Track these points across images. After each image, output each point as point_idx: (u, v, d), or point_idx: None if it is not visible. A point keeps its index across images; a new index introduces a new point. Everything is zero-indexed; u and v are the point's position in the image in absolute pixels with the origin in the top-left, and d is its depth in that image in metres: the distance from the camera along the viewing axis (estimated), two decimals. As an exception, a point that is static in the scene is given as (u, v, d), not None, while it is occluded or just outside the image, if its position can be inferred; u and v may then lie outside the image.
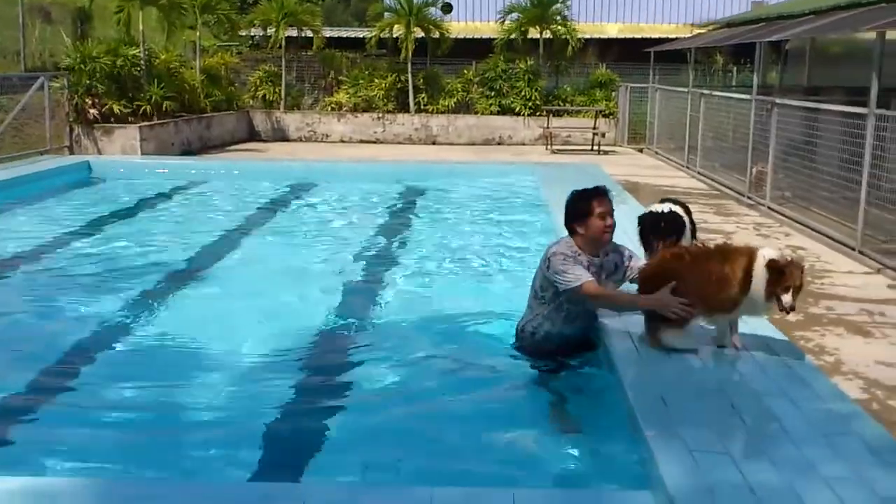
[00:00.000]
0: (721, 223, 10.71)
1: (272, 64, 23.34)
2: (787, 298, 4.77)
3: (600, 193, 5.41)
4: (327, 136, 22.44)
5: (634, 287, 5.47)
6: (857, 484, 3.56)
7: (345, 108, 22.60)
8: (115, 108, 17.03)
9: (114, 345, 6.29)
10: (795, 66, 18.00)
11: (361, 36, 25.11)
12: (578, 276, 5.21)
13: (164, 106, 17.91)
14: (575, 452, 4.50)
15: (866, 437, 4.02)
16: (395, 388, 5.40)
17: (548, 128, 20.59)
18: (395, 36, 22.40)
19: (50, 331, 6.58)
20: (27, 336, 6.47)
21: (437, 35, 22.57)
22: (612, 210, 5.39)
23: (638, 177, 15.14)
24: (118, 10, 18.52)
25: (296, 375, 5.68)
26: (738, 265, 4.90)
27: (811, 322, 6.51)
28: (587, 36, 24.49)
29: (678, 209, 6.13)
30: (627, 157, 19.42)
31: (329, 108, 22.78)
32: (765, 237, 9.95)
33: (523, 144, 21.82)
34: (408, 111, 22.32)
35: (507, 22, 23.20)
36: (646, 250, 5.95)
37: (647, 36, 27.19)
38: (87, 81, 16.84)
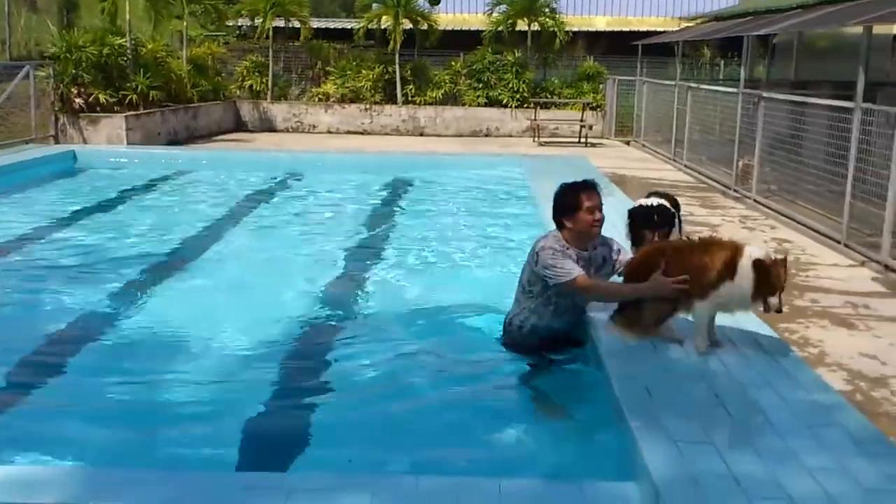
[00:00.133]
0: (707, 216, 10.74)
1: (259, 54, 23.26)
2: (773, 301, 4.72)
3: (589, 187, 5.34)
4: (314, 126, 22.39)
5: (621, 280, 5.47)
6: (841, 474, 3.57)
7: (332, 99, 22.55)
8: (101, 98, 16.95)
9: (98, 335, 6.26)
10: (783, 60, 18.06)
11: (349, 27, 25.04)
12: (569, 269, 5.15)
13: (151, 96, 17.83)
14: (561, 443, 4.52)
15: (850, 428, 4.03)
16: (380, 379, 5.39)
17: (535, 120, 20.60)
18: (382, 27, 22.37)
19: (33, 321, 6.53)
20: (10, 326, 6.43)
21: (424, 26, 22.54)
22: (601, 204, 5.33)
23: (625, 169, 15.17)
24: (104, -1, 18.44)
25: (281, 366, 5.67)
26: (719, 257, 4.84)
27: (796, 314, 6.54)
28: (575, 28, 24.50)
29: (665, 203, 6.15)
30: (614, 149, 19.44)
31: (316, 99, 22.73)
32: (750, 230, 9.98)
33: (510, 136, 21.82)
34: (395, 102, 22.29)
35: (494, 14, 23.20)
36: (633, 244, 5.95)
37: (635, 29, 27.19)
38: (73, 71, 16.76)
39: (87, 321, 6.52)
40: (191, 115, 19.68)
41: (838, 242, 8.95)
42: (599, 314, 5.52)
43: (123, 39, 17.81)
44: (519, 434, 4.65)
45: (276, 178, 13.71)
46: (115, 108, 17.21)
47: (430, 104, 22.36)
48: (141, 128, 17.20)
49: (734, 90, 13.38)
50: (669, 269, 4.99)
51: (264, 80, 22.75)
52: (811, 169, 10.41)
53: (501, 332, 5.70)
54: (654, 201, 6.13)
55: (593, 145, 19.89)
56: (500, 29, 22.89)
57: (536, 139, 20.48)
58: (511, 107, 22.08)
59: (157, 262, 8.36)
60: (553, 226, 5.46)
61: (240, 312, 6.68)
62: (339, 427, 4.74)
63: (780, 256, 4.85)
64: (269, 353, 5.83)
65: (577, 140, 20.29)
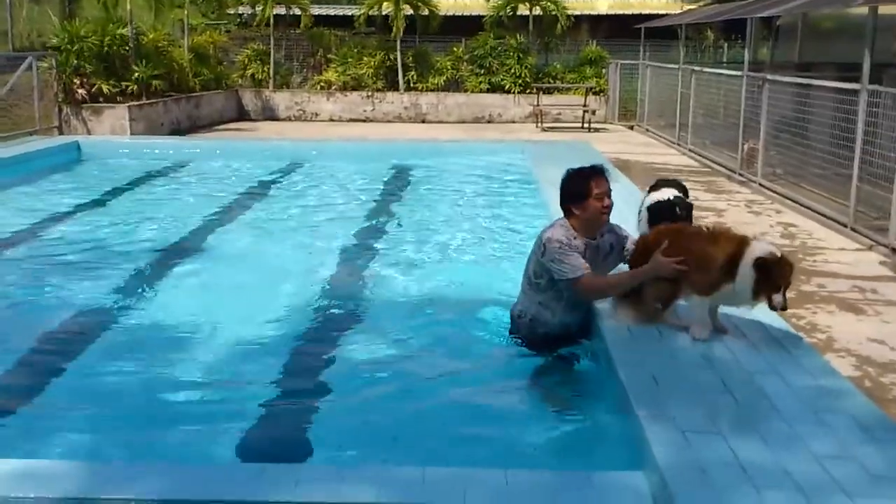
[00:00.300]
0: (713, 200, 10.70)
1: (261, 42, 23.22)
2: (777, 298, 4.63)
3: (597, 173, 5.19)
4: (317, 114, 22.35)
5: (626, 268, 5.42)
6: (849, 462, 3.55)
7: (334, 87, 22.50)
8: (104, 88, 16.95)
9: (102, 326, 6.25)
10: (787, 42, 17.94)
11: (350, 13, 24.96)
12: (575, 266, 5.02)
13: (154, 85, 17.80)
14: (567, 433, 4.51)
15: (858, 414, 4.01)
16: (385, 370, 5.37)
17: (538, 105, 20.53)
18: (383, 13, 22.28)
19: (37, 313, 6.52)
20: (13, 318, 6.43)
21: (425, 12, 22.45)
22: (610, 190, 5.19)
23: (629, 154, 15.12)
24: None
25: (286, 356, 5.65)
26: (723, 250, 4.77)
27: (803, 300, 6.51)
28: (577, 12, 24.42)
29: (681, 195, 6.08)
30: (618, 134, 19.38)
31: (318, 87, 22.68)
32: (756, 214, 9.95)
33: (513, 122, 21.77)
34: (397, 89, 22.23)
35: (496, -2, 23.12)
36: None
37: (638, 12, 27.07)
38: (75, 61, 16.73)
39: (92, 313, 6.50)
40: (193, 104, 19.65)
41: (845, 226, 8.91)
42: (603, 303, 5.48)
43: (125, 29, 17.76)
44: (526, 423, 4.63)
45: (278, 168, 13.67)
46: (118, 98, 17.20)
47: (432, 91, 22.30)
48: (144, 118, 17.19)
49: (738, 73, 13.32)
50: (673, 253, 4.94)
51: (266, 69, 22.71)
52: (817, 152, 10.36)
53: (509, 323, 5.58)
54: (671, 194, 6.02)
55: (597, 130, 19.83)
56: (501, 14, 22.80)
57: (539, 125, 20.41)
58: (513, 92, 22.01)
59: (161, 253, 8.35)
60: (558, 211, 5.35)
61: (243, 302, 6.68)
62: (345, 416, 4.73)
63: (785, 253, 4.78)
64: (272, 344, 5.82)
65: (580, 125, 20.22)
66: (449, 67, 22.58)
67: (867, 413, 4.04)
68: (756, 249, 4.70)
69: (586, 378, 5.08)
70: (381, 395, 4.98)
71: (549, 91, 21.51)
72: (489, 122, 21.90)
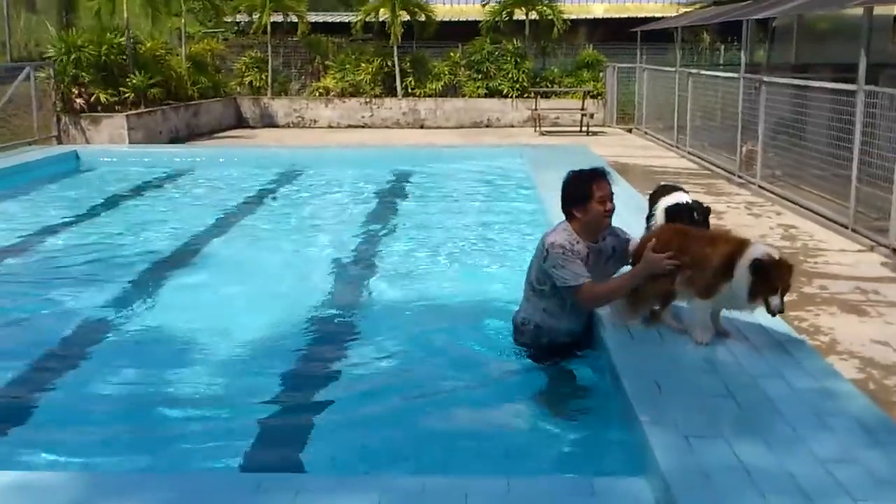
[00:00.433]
0: (712, 203, 10.55)
1: (258, 50, 23.21)
2: (774, 301, 4.58)
3: (599, 176, 5.14)
4: (315, 121, 22.34)
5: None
6: (853, 465, 3.53)
7: (332, 94, 22.51)
8: (102, 97, 16.94)
9: (103, 336, 6.24)
10: (783, 44, 17.95)
11: (347, 20, 24.95)
12: (577, 274, 4.97)
13: (152, 94, 17.80)
14: (570, 440, 4.48)
15: (862, 417, 3.99)
16: (387, 378, 5.35)
17: (536, 110, 20.51)
18: (380, 20, 22.28)
19: (38, 322, 6.53)
20: (13, 327, 6.41)
21: (422, 18, 22.45)
22: (612, 193, 5.15)
23: (627, 157, 15.10)
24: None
25: (287, 365, 5.63)
26: (720, 251, 4.75)
27: (805, 302, 6.48)
28: (573, 16, 24.42)
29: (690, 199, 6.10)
30: (616, 137, 19.37)
31: (316, 94, 22.69)
32: (756, 216, 9.92)
33: (511, 127, 21.76)
34: (395, 95, 22.23)
35: (491, 3, 23.09)
36: None
37: (634, 15, 27.08)
38: (73, 71, 16.73)
39: (91, 321, 6.49)
40: (191, 112, 19.64)
41: (845, 227, 8.88)
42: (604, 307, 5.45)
43: (122, 38, 17.75)
44: (528, 430, 4.60)
45: (277, 175, 13.67)
46: (117, 107, 17.20)
47: (430, 96, 22.30)
48: (142, 127, 17.18)
49: (735, 75, 13.30)
50: (674, 255, 4.93)
51: (264, 76, 22.71)
52: (815, 153, 10.34)
53: (513, 330, 5.50)
54: (686, 198, 6.02)
55: (595, 134, 19.81)
56: (497, 19, 22.81)
57: (537, 129, 20.40)
58: (511, 97, 22.01)
59: (161, 261, 8.34)
60: (557, 215, 5.31)
61: (244, 310, 6.67)
62: (346, 425, 4.70)
63: (784, 255, 4.75)
64: (274, 351, 5.80)
65: (578, 129, 20.20)
66: (446, 73, 22.58)
67: (871, 416, 4.03)
68: (753, 251, 4.67)
69: (590, 385, 5.04)
70: (381, 405, 4.94)
71: (546, 95, 21.51)
72: (487, 126, 21.89)
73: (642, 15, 26.66)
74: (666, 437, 3.77)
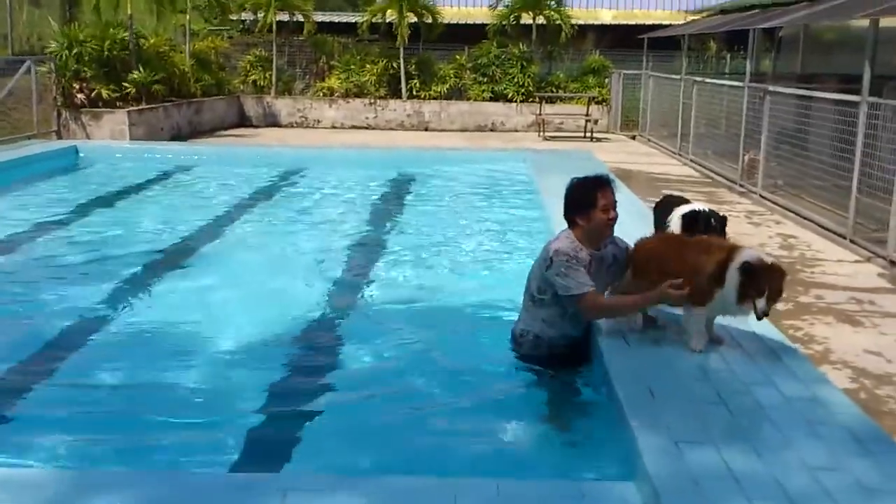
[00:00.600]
0: (712, 211, 10.65)
1: (263, 48, 23.22)
2: (760, 304, 4.55)
3: (603, 183, 5.08)
4: (319, 121, 22.35)
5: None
6: (842, 473, 3.52)
7: (336, 94, 22.52)
8: (104, 93, 16.92)
9: (98, 332, 6.20)
10: (789, 54, 17.95)
11: (353, 21, 24.98)
12: (581, 283, 4.92)
13: (154, 90, 17.79)
14: (561, 444, 4.47)
15: (852, 426, 3.98)
16: (380, 380, 5.32)
17: (540, 114, 20.52)
18: (387, 21, 22.29)
19: (33, 317, 6.49)
20: (9, 322, 6.39)
21: (429, 20, 22.45)
22: (615, 201, 5.10)
23: (630, 164, 15.11)
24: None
25: (281, 366, 5.59)
26: (713, 258, 4.73)
27: (800, 311, 6.48)
28: (581, 22, 24.42)
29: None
30: (620, 144, 19.37)
31: (320, 94, 22.69)
32: (756, 225, 9.92)
33: (516, 131, 21.76)
34: (400, 97, 22.24)
35: (499, 7, 23.10)
36: None
37: (641, 22, 27.10)
38: (75, 65, 16.71)
39: (87, 318, 6.47)
40: (194, 110, 19.65)
41: (844, 238, 8.88)
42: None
43: (125, 33, 17.76)
44: (518, 434, 4.59)
45: (279, 174, 13.65)
46: (118, 103, 17.19)
47: (435, 99, 22.31)
48: (144, 123, 17.18)
49: (740, 84, 13.31)
50: (667, 262, 4.93)
51: (268, 75, 22.72)
52: (817, 163, 10.34)
53: (511, 341, 5.41)
54: (702, 207, 6.11)
55: (598, 140, 19.81)
56: (504, 23, 22.82)
57: (541, 134, 20.40)
58: (516, 101, 22.02)
59: (159, 259, 8.32)
60: (559, 220, 5.26)
61: (241, 309, 6.63)
62: (337, 426, 4.68)
63: (777, 261, 4.74)
64: (269, 352, 5.77)
65: (582, 135, 20.21)
66: (452, 75, 22.59)
67: (861, 425, 4.01)
68: (744, 255, 4.66)
69: (587, 394, 5.00)
70: (372, 404, 4.93)
71: (551, 100, 21.51)
72: (492, 130, 21.89)
73: (650, 22, 26.67)
74: (656, 443, 3.76)
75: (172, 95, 18.99)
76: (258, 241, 9.22)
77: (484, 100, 22.21)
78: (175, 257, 8.44)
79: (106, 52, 17.16)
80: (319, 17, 24.95)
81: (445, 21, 23.14)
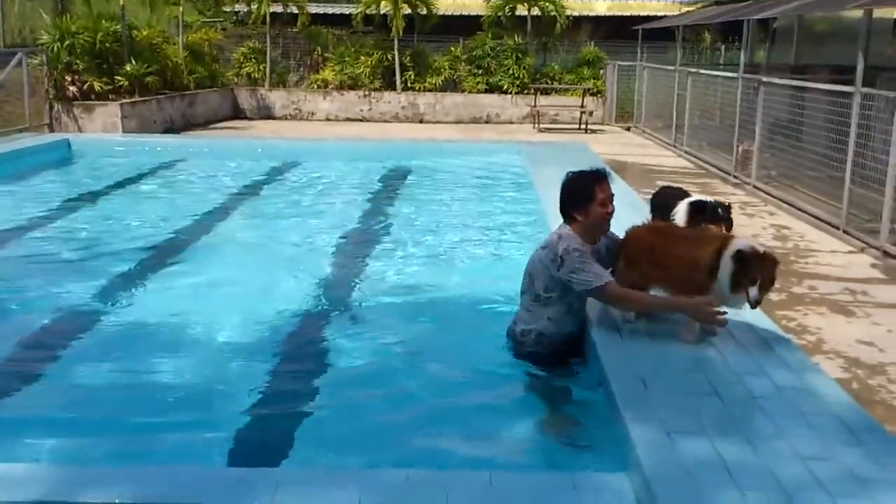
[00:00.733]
0: (706, 202, 10.64)
1: (257, 40, 23.14)
2: (752, 292, 4.55)
3: (601, 177, 4.99)
4: (313, 114, 22.30)
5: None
6: (834, 463, 3.53)
7: (331, 86, 22.45)
8: (96, 85, 16.85)
9: (89, 327, 6.18)
10: (783, 45, 17.93)
11: (348, 12, 24.90)
12: (599, 274, 4.83)
13: (147, 83, 17.73)
14: (554, 437, 4.47)
15: (845, 416, 3.98)
16: (373, 375, 5.30)
17: (535, 106, 20.49)
18: (381, 12, 22.22)
19: (24, 312, 6.46)
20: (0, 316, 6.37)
21: (424, 11, 22.39)
22: (613, 195, 5.03)
23: (625, 156, 15.10)
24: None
25: (274, 360, 5.56)
26: (707, 250, 4.73)
27: (794, 301, 6.48)
28: (576, 13, 24.37)
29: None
30: (615, 135, 19.35)
31: (315, 86, 22.62)
32: (750, 216, 9.91)
33: (511, 123, 21.72)
34: (394, 89, 22.18)
35: (494, -2, 23.08)
36: None
37: (636, 13, 27.08)
38: (67, 58, 16.64)
39: (78, 312, 6.44)
40: (187, 102, 19.58)
41: (837, 228, 8.89)
42: (591, 304, 5.40)
43: (118, 25, 17.68)
44: (511, 426, 4.58)
45: (273, 167, 13.61)
46: (111, 95, 17.12)
47: (430, 91, 22.25)
48: (136, 116, 17.11)
49: (734, 75, 13.28)
50: (658, 253, 4.92)
51: (262, 67, 22.65)
52: (811, 154, 10.34)
53: (509, 341, 5.31)
54: (709, 198, 6.13)
55: (593, 131, 19.79)
56: (499, 14, 22.77)
57: (537, 126, 20.38)
58: (511, 93, 21.97)
59: (152, 252, 8.28)
60: (554, 212, 5.21)
61: (235, 304, 6.60)
62: (331, 425, 4.65)
63: (769, 250, 4.75)
64: (262, 346, 5.74)
65: (577, 126, 20.19)
66: (447, 67, 22.53)
67: (853, 415, 4.02)
68: (737, 244, 4.68)
69: (579, 385, 4.96)
70: (365, 398, 4.91)
71: (546, 92, 21.47)
72: (487, 122, 21.86)
73: (644, 13, 26.66)
74: (648, 434, 3.76)
75: (165, 88, 18.92)
76: (251, 235, 9.20)
77: (479, 92, 22.17)
78: (168, 251, 8.40)
79: (98, 45, 17.08)
80: (313, 8, 24.88)
81: (440, 12, 23.09)
